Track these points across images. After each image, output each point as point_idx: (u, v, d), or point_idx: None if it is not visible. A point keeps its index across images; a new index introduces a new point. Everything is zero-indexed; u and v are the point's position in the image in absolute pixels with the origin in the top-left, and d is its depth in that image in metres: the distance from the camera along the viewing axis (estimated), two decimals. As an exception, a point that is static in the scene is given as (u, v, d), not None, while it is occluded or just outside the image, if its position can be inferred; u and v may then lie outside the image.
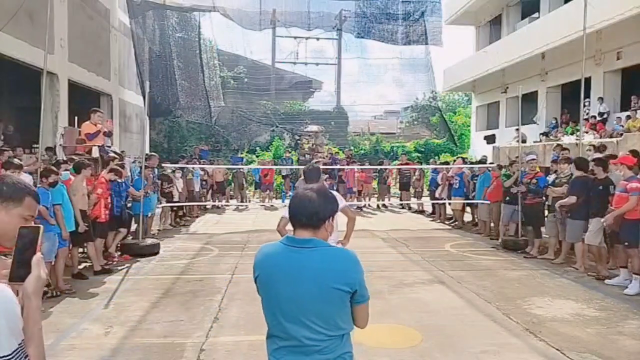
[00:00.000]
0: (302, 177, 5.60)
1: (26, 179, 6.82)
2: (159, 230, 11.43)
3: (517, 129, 11.66)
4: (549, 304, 6.01)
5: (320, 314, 1.93)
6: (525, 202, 9.05)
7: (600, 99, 15.15)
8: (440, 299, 6.23)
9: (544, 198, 8.98)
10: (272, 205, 17.04)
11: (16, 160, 6.89)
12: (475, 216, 12.18)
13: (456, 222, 12.66)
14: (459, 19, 23.68)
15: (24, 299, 1.38)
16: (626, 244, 6.59)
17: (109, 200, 7.77)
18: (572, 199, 7.62)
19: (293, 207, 2.04)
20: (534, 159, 9.44)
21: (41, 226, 1.48)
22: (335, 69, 27.30)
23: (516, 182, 9.62)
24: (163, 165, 12.48)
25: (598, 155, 9.07)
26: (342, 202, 4.42)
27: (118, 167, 8.24)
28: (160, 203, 11.47)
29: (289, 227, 2.32)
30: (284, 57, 28.18)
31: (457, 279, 7.21)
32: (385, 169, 16.73)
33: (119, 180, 8.25)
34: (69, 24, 13.03)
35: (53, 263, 6.17)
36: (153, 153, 12.05)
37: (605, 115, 14.86)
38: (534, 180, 8.95)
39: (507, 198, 9.85)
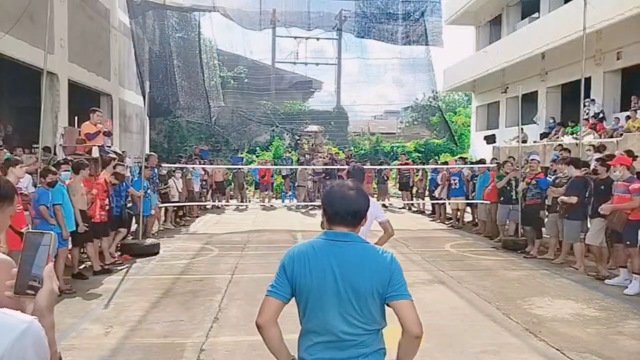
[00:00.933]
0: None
1: (26, 179, 6.83)
2: (159, 230, 11.43)
3: (521, 129, 11.63)
4: (549, 304, 6.01)
5: (359, 308, 1.95)
6: (525, 202, 9.06)
7: (592, 101, 15.13)
8: (440, 299, 6.24)
9: (543, 198, 8.99)
10: (271, 206, 17.04)
11: (16, 157, 6.89)
12: (475, 216, 12.18)
13: (457, 222, 12.66)
14: (459, 19, 23.66)
15: (36, 316, 1.19)
16: (628, 243, 6.60)
17: (105, 202, 7.73)
18: (573, 199, 7.61)
19: (336, 204, 2.04)
20: (533, 160, 9.43)
21: (53, 233, 1.33)
22: (335, 69, 27.28)
23: (511, 182, 9.65)
24: (161, 165, 12.46)
25: (598, 155, 9.08)
26: (383, 215, 4.13)
27: (120, 172, 8.23)
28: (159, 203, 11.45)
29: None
30: (284, 57, 28.21)
31: (457, 279, 7.21)
32: (383, 169, 16.73)
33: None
34: (69, 24, 13.01)
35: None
36: (152, 153, 12.04)
37: (601, 115, 14.84)
38: (533, 182, 8.95)
39: (502, 198, 9.87)
